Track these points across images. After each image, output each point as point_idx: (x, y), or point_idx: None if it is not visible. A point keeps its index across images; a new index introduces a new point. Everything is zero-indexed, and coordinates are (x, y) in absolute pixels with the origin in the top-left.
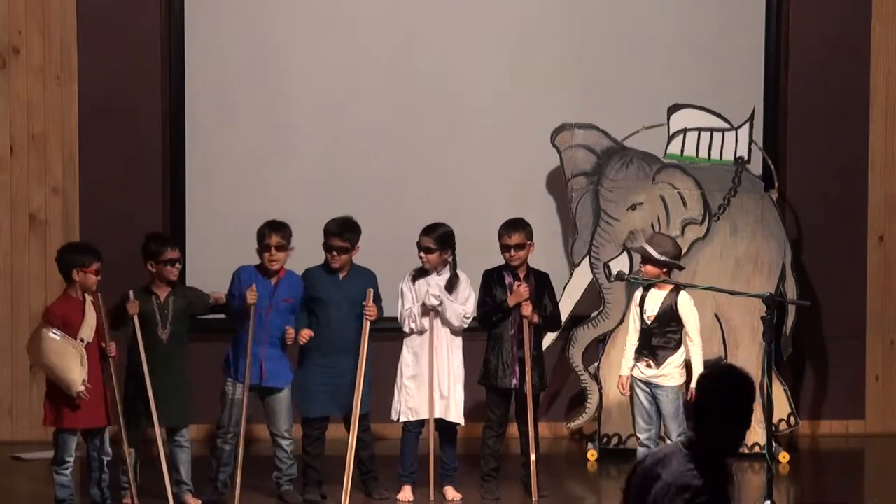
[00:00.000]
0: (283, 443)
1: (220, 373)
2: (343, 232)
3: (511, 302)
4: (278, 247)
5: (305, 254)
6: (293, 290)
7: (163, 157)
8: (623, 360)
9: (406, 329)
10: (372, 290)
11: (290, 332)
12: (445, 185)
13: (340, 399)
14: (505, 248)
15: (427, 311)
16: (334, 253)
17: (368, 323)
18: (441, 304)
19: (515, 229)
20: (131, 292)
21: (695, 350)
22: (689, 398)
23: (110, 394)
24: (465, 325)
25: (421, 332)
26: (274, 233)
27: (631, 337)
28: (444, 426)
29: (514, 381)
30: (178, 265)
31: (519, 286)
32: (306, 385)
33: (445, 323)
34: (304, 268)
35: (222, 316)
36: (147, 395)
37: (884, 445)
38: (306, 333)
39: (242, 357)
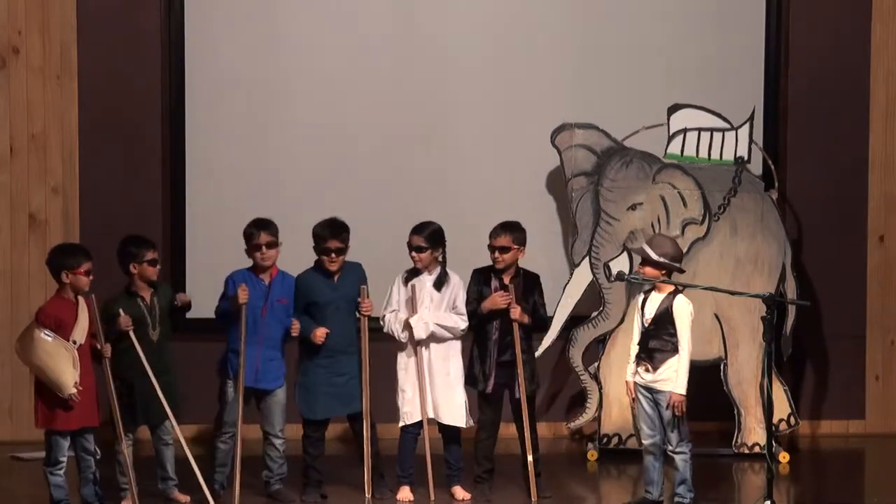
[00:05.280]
0: (277, 442)
1: (215, 373)
2: (339, 233)
3: (485, 307)
4: (269, 244)
5: (305, 254)
6: (286, 290)
7: (163, 157)
8: (628, 366)
9: (386, 331)
10: (365, 286)
11: (296, 324)
12: (445, 185)
13: (344, 398)
14: (490, 249)
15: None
16: (332, 255)
17: (366, 319)
18: (431, 333)
19: (502, 231)
20: (121, 309)
21: (682, 357)
22: (666, 406)
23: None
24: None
25: (404, 339)
26: (263, 231)
27: (634, 341)
28: (444, 428)
29: (490, 386)
30: (157, 265)
31: (495, 294)
32: (309, 387)
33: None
34: (303, 267)
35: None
36: (136, 397)
37: (884, 445)
38: (322, 332)
39: (237, 358)
